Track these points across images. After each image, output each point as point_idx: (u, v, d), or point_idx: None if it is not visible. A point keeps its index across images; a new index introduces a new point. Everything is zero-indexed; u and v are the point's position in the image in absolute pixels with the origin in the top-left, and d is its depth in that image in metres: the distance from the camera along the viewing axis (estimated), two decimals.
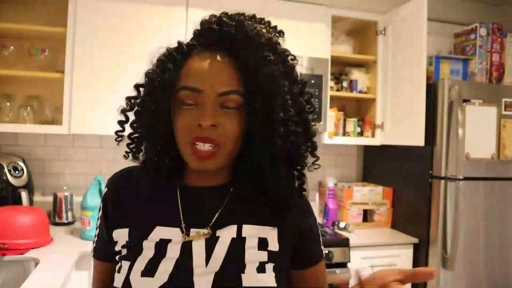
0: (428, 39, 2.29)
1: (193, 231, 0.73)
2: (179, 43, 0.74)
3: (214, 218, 0.74)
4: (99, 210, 0.82)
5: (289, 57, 0.74)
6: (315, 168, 0.78)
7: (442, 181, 2.25)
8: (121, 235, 0.76)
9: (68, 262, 1.70)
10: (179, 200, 0.76)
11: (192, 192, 0.77)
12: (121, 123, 0.78)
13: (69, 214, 2.32)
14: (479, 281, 2.31)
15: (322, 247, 0.84)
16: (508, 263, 2.38)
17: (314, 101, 0.82)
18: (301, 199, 0.81)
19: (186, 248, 0.71)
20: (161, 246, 0.71)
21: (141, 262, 0.70)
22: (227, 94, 0.68)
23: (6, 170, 2.13)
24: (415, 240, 2.39)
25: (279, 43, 0.74)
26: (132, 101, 0.76)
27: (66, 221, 2.30)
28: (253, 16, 0.76)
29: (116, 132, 0.78)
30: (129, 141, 0.78)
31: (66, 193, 2.31)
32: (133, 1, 2.22)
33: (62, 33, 2.16)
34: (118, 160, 2.44)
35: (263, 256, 0.72)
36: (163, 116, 0.73)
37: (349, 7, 2.58)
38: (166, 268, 0.69)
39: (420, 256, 2.37)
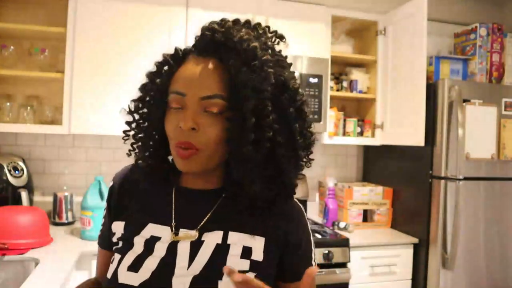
0: (428, 39, 2.29)
1: (182, 231, 0.75)
2: (175, 49, 0.76)
3: (203, 221, 0.76)
4: (106, 201, 0.87)
5: (277, 64, 0.72)
6: (299, 178, 0.77)
7: (442, 181, 2.25)
8: (118, 227, 0.79)
9: (68, 262, 1.70)
10: (173, 200, 0.79)
11: (186, 194, 0.80)
12: (128, 123, 0.80)
13: (69, 214, 2.32)
14: (479, 281, 2.31)
15: (314, 261, 0.82)
16: (508, 263, 2.38)
17: (312, 104, 0.80)
18: (293, 210, 0.80)
19: (172, 249, 0.73)
20: (150, 244, 0.74)
21: (130, 257, 0.73)
22: (209, 98, 0.69)
23: (6, 170, 2.13)
24: (415, 240, 2.39)
25: (267, 49, 0.73)
26: (135, 103, 0.79)
27: (66, 221, 2.30)
28: (247, 22, 0.76)
29: (124, 131, 0.81)
30: (134, 141, 0.81)
31: (66, 193, 2.31)
32: (133, 1, 2.22)
33: (62, 33, 2.16)
34: (118, 160, 2.45)
35: (245, 264, 0.72)
36: (156, 120, 0.76)
37: (349, 7, 2.58)
38: (150, 265, 0.72)
39: (420, 256, 2.37)
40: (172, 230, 0.75)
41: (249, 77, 0.68)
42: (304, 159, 0.77)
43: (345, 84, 2.72)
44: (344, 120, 2.70)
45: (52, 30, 2.19)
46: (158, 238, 0.74)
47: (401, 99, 2.45)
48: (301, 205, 0.83)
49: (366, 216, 2.65)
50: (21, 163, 2.23)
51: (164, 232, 0.75)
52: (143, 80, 0.78)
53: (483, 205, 2.32)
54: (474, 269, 2.30)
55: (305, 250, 0.80)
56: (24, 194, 2.13)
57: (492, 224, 2.34)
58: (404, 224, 2.54)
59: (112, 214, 0.83)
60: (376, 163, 2.88)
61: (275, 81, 0.70)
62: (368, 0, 2.62)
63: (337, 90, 2.70)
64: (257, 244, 0.74)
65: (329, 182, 2.72)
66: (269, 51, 0.74)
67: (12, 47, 2.24)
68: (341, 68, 2.81)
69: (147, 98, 0.77)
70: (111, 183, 0.86)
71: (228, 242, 0.73)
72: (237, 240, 0.74)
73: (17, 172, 2.18)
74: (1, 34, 2.26)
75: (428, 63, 2.50)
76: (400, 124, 2.47)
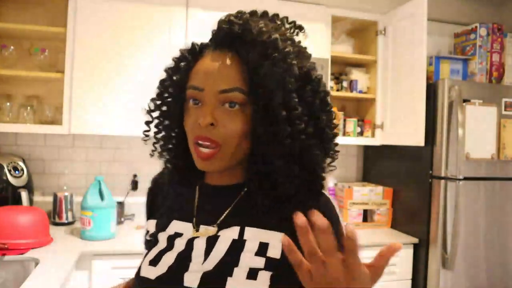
0: (428, 39, 2.29)
1: (202, 227, 0.75)
2: (192, 43, 0.76)
3: (222, 217, 0.75)
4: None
5: (298, 55, 0.71)
6: (330, 170, 0.75)
7: (442, 181, 2.24)
8: (151, 226, 0.82)
9: (68, 262, 1.70)
10: (196, 197, 0.80)
11: (208, 190, 0.80)
12: (147, 123, 0.80)
13: (69, 214, 2.32)
14: (479, 281, 2.31)
15: None
16: (508, 263, 2.38)
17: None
18: (318, 203, 0.73)
19: (190, 244, 0.73)
20: (172, 239, 0.76)
21: (153, 252, 0.76)
22: (227, 91, 0.68)
23: (6, 170, 2.13)
24: (415, 240, 2.39)
25: (287, 40, 0.72)
26: (154, 101, 0.79)
27: (66, 221, 2.30)
28: (265, 14, 0.75)
29: (144, 132, 0.81)
30: (155, 140, 0.81)
31: (66, 193, 2.31)
32: (133, 1, 2.22)
33: (62, 33, 2.16)
34: (118, 160, 2.44)
35: (259, 262, 0.68)
36: (176, 117, 0.75)
37: (349, 7, 2.58)
38: (168, 260, 0.73)
39: (420, 256, 2.37)
40: (194, 227, 0.76)
41: (272, 70, 0.67)
42: (331, 151, 0.74)
43: (345, 84, 2.72)
44: (344, 120, 2.70)
45: (52, 30, 2.19)
46: (180, 235, 0.76)
47: (401, 99, 2.45)
48: (329, 197, 0.76)
49: (366, 216, 2.65)
50: (21, 163, 2.23)
51: (186, 229, 0.76)
52: (161, 76, 0.77)
53: (483, 205, 2.32)
54: (474, 269, 2.30)
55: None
56: (24, 194, 2.13)
57: (492, 224, 2.34)
58: (404, 224, 2.54)
59: (148, 214, 0.88)
60: (376, 163, 2.88)
61: (298, 72, 0.69)
62: (368, 0, 2.62)
63: (337, 90, 2.70)
64: (275, 241, 0.69)
65: (329, 182, 2.72)
66: (289, 42, 0.72)
67: (12, 47, 2.24)
68: (341, 68, 2.81)
69: (166, 95, 0.77)
70: (149, 186, 0.91)
71: (245, 237, 0.71)
72: (253, 235, 0.71)
73: (17, 172, 2.18)
74: (1, 34, 2.26)
75: (428, 63, 2.50)
76: (400, 124, 2.47)
